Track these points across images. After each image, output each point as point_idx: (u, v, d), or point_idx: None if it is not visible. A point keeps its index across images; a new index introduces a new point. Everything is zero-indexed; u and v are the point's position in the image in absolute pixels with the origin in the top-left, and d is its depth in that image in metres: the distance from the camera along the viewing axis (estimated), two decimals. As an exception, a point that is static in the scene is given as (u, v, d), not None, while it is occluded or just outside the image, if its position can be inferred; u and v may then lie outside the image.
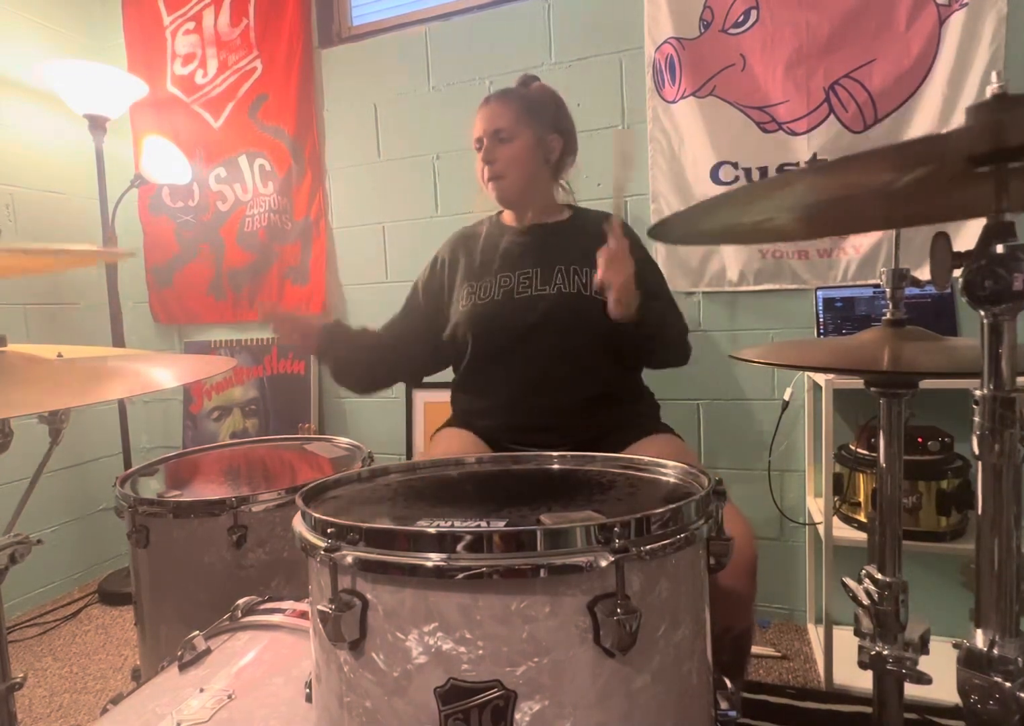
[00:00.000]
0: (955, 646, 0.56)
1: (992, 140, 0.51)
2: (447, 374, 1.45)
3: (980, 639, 0.55)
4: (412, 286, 1.44)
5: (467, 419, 1.34)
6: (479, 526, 0.58)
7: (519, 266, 1.29)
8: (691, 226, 0.74)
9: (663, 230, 0.72)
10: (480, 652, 0.51)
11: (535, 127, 1.28)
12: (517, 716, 0.51)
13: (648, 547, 0.53)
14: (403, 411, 2.10)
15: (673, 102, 1.75)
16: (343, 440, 1.42)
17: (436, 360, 1.42)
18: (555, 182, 1.37)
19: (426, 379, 1.49)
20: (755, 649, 1.65)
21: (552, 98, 1.34)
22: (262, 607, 0.89)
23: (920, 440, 1.42)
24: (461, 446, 1.27)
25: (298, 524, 0.61)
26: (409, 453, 2.07)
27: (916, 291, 1.52)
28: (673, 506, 0.56)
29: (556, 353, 1.24)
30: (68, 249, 0.67)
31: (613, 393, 1.27)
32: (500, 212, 1.40)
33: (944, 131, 0.44)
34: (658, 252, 1.79)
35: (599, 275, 1.07)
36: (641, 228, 1.62)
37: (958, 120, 1.51)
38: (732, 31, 1.68)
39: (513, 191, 1.29)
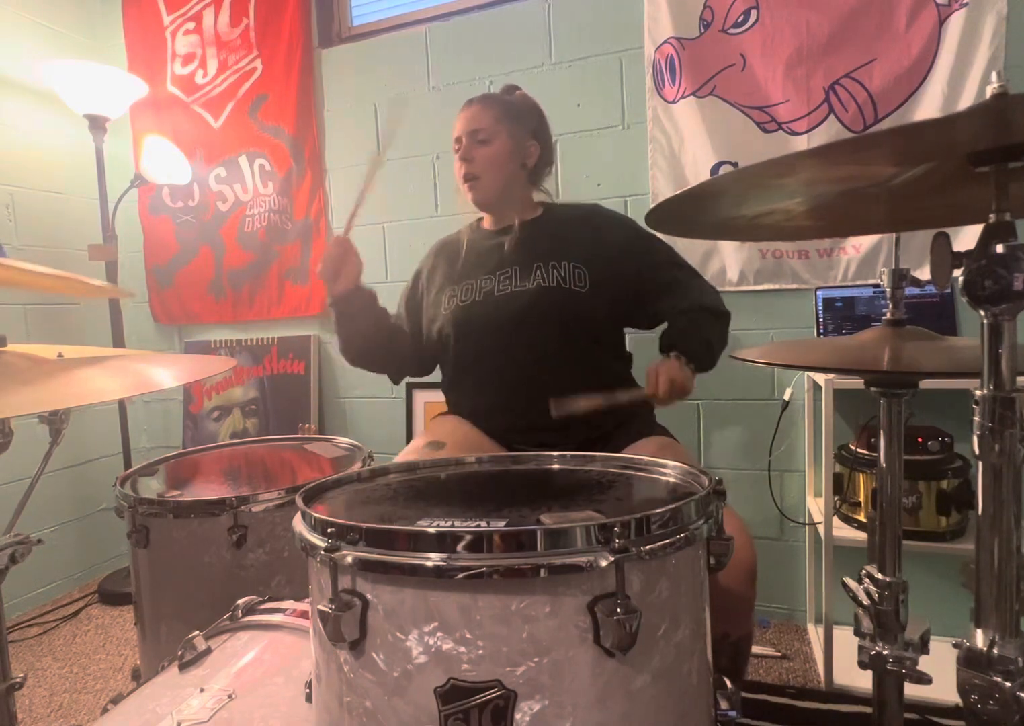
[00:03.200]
0: (955, 646, 0.56)
1: (992, 139, 0.51)
2: (447, 374, 1.45)
3: (980, 639, 0.55)
4: (400, 296, 1.47)
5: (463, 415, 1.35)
6: (479, 526, 0.58)
7: (498, 266, 1.30)
8: (691, 217, 0.74)
9: (660, 218, 0.72)
10: (480, 652, 0.51)
11: (513, 131, 1.29)
12: (517, 716, 0.51)
13: (648, 547, 0.53)
14: (403, 411, 2.10)
15: (673, 102, 1.75)
16: (343, 440, 1.42)
17: (419, 366, 1.44)
18: (532, 188, 1.38)
19: (426, 379, 1.50)
20: (755, 649, 1.64)
21: (534, 107, 1.36)
22: (262, 607, 0.89)
23: (920, 440, 1.42)
24: (460, 429, 1.28)
25: (298, 524, 0.61)
26: (409, 453, 2.07)
27: (916, 291, 1.52)
28: (673, 506, 0.56)
29: (541, 348, 1.24)
30: (73, 278, 0.67)
31: (603, 385, 1.27)
32: (480, 218, 1.41)
33: (943, 115, 0.44)
34: (658, 252, 1.79)
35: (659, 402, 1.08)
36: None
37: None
38: (732, 31, 1.68)
39: (488, 193, 1.30)
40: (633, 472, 0.79)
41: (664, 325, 1.26)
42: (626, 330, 1.37)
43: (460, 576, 0.51)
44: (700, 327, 1.22)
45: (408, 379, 2.05)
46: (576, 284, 1.24)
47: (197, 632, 0.84)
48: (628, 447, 1.20)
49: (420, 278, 1.42)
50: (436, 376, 1.48)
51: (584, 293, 1.23)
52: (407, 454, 1.24)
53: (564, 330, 1.23)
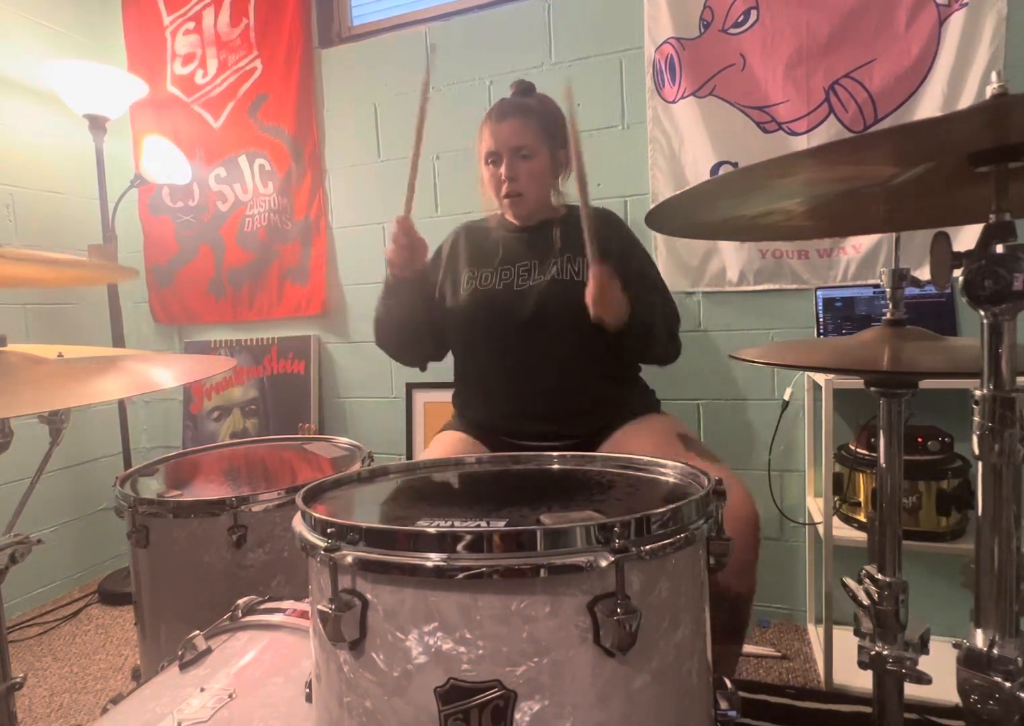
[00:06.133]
0: (955, 646, 0.56)
1: (992, 139, 0.51)
2: (446, 374, 1.45)
3: (980, 639, 0.55)
4: None
5: (465, 411, 1.36)
6: (479, 526, 0.58)
7: (519, 259, 1.32)
8: (691, 217, 0.74)
9: (661, 218, 0.72)
10: (480, 652, 0.51)
11: (551, 143, 1.30)
12: (517, 716, 0.51)
13: (648, 547, 0.53)
14: (403, 411, 2.09)
15: (673, 102, 1.75)
16: (343, 440, 1.42)
17: (438, 344, 1.42)
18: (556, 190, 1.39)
19: (426, 379, 1.50)
20: (755, 649, 1.65)
21: (559, 111, 1.36)
22: (262, 607, 0.89)
23: (920, 440, 1.42)
24: (458, 449, 1.27)
25: (298, 524, 0.61)
26: (409, 453, 2.07)
27: (916, 291, 1.52)
28: (673, 506, 0.56)
29: (553, 340, 1.26)
30: (75, 260, 0.67)
31: (607, 375, 1.29)
32: (502, 212, 1.41)
33: (943, 115, 0.44)
34: (658, 251, 1.79)
35: (592, 310, 1.11)
36: (641, 229, 1.62)
37: (958, 120, 1.51)
38: (732, 31, 1.68)
39: (530, 208, 1.32)
40: (633, 472, 0.79)
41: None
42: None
43: (460, 576, 0.51)
44: (658, 308, 1.26)
45: (408, 379, 2.06)
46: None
47: (197, 632, 0.84)
48: (627, 425, 1.23)
49: (440, 256, 1.43)
50: (437, 376, 1.48)
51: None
52: None
53: (575, 323, 1.23)
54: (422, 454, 1.35)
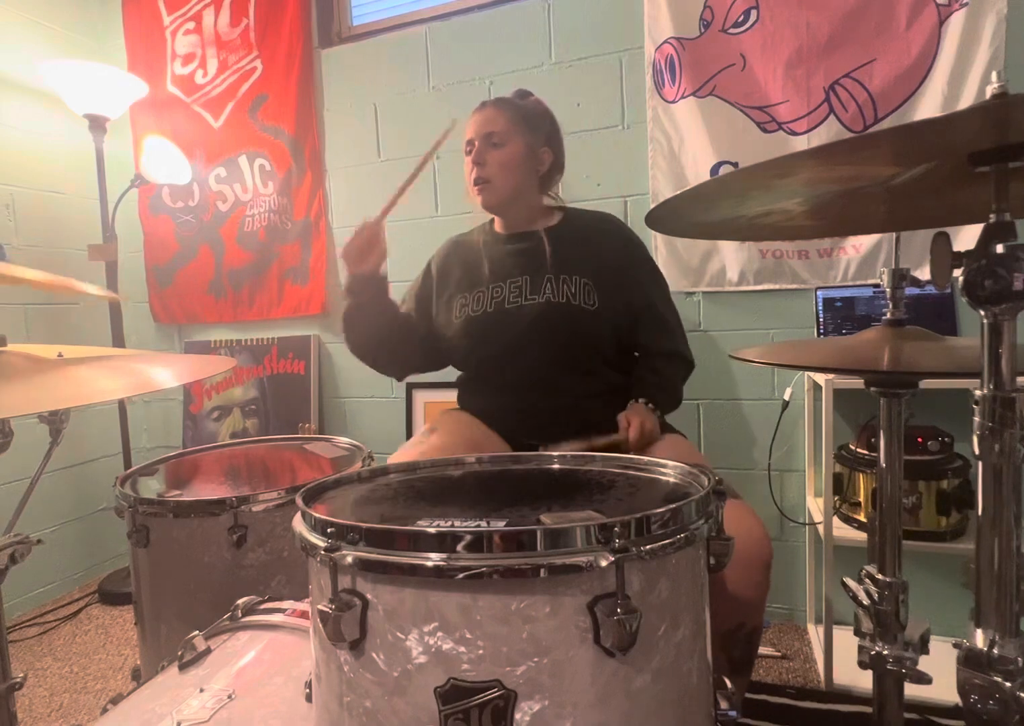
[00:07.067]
0: (955, 646, 0.56)
1: (992, 139, 0.51)
2: (446, 374, 1.45)
3: (980, 639, 0.55)
4: (405, 293, 1.46)
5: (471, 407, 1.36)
6: (479, 526, 0.58)
7: (509, 275, 1.30)
8: (691, 217, 0.74)
9: (661, 218, 0.72)
10: (480, 652, 0.51)
11: (527, 136, 1.28)
12: (517, 716, 0.51)
13: (648, 547, 0.53)
14: (403, 411, 2.10)
15: (673, 102, 1.75)
16: (343, 440, 1.42)
17: (427, 362, 1.43)
18: (543, 195, 1.37)
19: (426, 379, 1.50)
20: (755, 649, 1.65)
21: (547, 113, 1.35)
22: (262, 607, 0.89)
23: (920, 440, 1.42)
24: (463, 422, 1.29)
25: (298, 524, 0.61)
26: (409, 453, 2.07)
27: (916, 291, 1.52)
28: (673, 506, 0.56)
29: (549, 359, 1.25)
30: (67, 284, 0.66)
31: (608, 395, 1.28)
32: (492, 220, 1.41)
33: (943, 115, 0.44)
34: (659, 252, 1.79)
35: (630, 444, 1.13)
36: (642, 229, 1.62)
37: (958, 120, 1.51)
38: (732, 31, 1.68)
39: (498, 198, 1.29)
40: (633, 472, 0.79)
41: (640, 361, 1.32)
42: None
43: (460, 576, 0.51)
44: (675, 375, 1.32)
45: (408, 379, 2.05)
46: (585, 302, 1.24)
47: (197, 632, 0.84)
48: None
49: (431, 275, 1.41)
50: (437, 376, 1.48)
51: (592, 311, 1.24)
52: (406, 448, 1.25)
53: (571, 344, 1.24)
54: (428, 425, 1.34)
